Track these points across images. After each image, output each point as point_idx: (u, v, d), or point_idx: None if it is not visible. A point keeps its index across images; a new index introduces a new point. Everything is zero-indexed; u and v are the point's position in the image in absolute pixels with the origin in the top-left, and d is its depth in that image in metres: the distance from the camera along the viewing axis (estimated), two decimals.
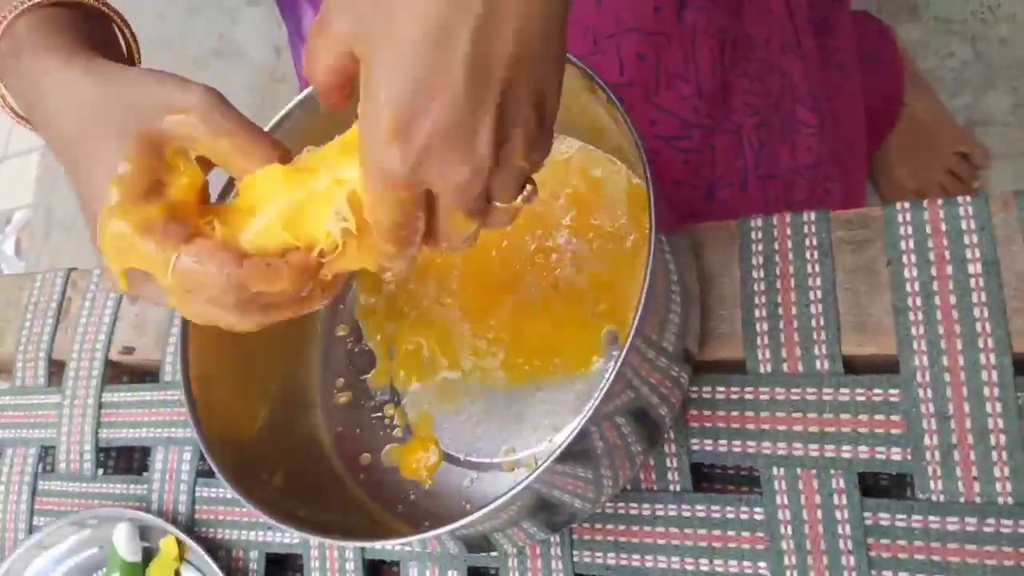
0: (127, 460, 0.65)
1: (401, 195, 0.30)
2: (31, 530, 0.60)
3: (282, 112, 0.46)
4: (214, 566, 0.50)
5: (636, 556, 0.43)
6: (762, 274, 0.44)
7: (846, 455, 0.40)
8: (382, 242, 0.32)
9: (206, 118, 0.34)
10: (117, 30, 0.42)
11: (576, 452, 0.35)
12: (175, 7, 1.57)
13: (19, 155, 1.66)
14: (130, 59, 0.43)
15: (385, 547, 0.49)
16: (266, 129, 0.47)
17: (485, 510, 0.34)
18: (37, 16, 0.37)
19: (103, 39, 0.40)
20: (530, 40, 0.28)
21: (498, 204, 0.32)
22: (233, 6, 1.53)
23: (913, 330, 0.40)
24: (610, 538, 0.44)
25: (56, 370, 0.63)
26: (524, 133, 0.29)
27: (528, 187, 0.32)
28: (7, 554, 0.58)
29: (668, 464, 0.44)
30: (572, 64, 0.39)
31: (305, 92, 0.46)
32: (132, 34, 0.42)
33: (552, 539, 0.45)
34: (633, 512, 0.44)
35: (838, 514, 0.40)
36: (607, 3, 0.54)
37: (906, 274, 0.41)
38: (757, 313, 0.44)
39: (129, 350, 0.60)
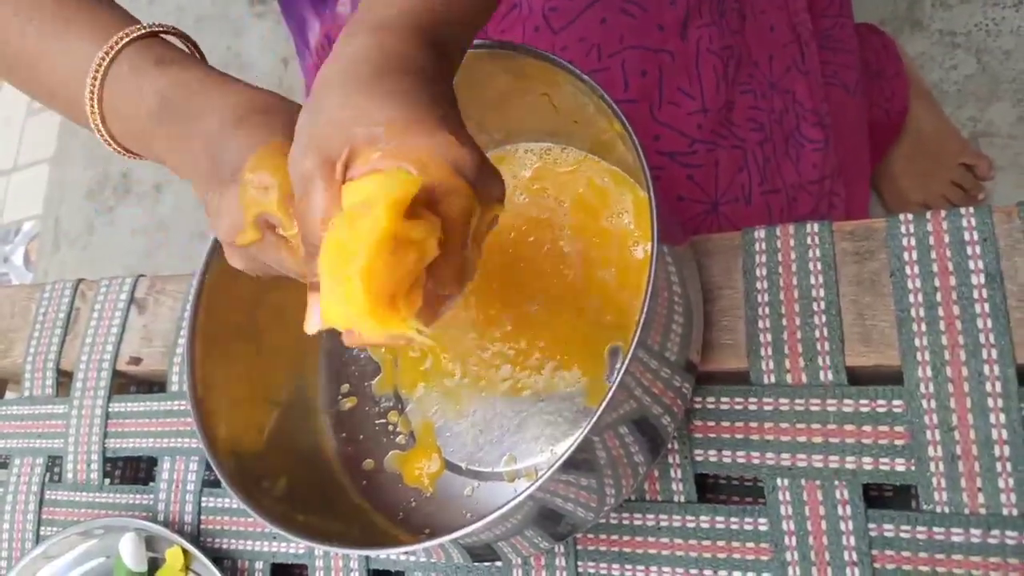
0: (134, 470, 0.65)
1: None
2: (38, 539, 0.60)
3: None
4: None
5: (640, 566, 0.44)
6: (766, 285, 0.44)
7: (850, 466, 0.40)
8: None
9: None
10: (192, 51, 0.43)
11: (578, 462, 0.35)
12: (182, 19, 1.59)
13: (29, 167, 1.68)
14: None
15: (390, 556, 0.49)
16: None
17: (490, 518, 0.34)
18: (144, 42, 0.39)
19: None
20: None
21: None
22: (239, 18, 1.55)
23: (917, 341, 0.40)
24: (614, 548, 0.44)
25: (64, 380, 0.64)
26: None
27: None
28: (14, 564, 0.58)
29: (672, 475, 0.44)
30: (579, 78, 0.40)
31: None
32: (202, 53, 0.43)
33: (556, 549, 0.45)
34: (637, 522, 0.44)
35: (842, 525, 0.40)
36: (612, 21, 0.55)
37: (909, 285, 0.41)
38: (760, 324, 0.44)
39: (136, 360, 0.61)
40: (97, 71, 0.38)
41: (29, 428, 0.63)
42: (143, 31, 0.39)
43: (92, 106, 0.39)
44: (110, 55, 0.38)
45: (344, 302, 0.28)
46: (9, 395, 0.72)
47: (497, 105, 0.48)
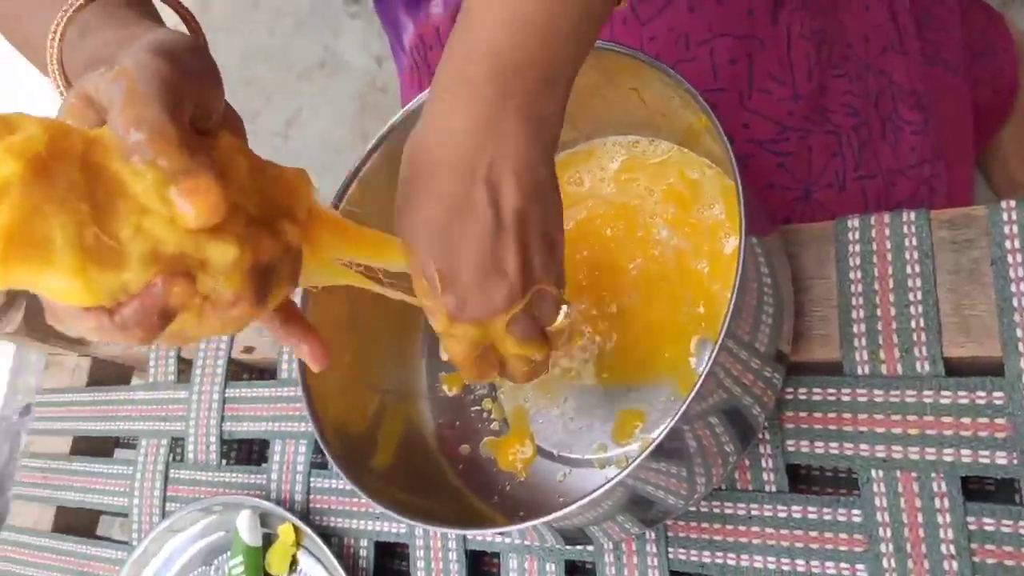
0: (247, 452, 0.69)
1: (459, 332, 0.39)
2: (164, 514, 0.65)
3: (386, 126, 0.49)
4: (328, 553, 0.54)
5: (732, 554, 0.44)
6: (859, 275, 0.44)
7: (948, 458, 0.40)
8: (465, 376, 0.41)
9: (112, 85, 0.29)
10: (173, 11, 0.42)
11: (668, 450, 0.36)
12: (283, 21, 1.66)
13: None
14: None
15: (487, 537, 0.51)
16: (371, 144, 0.50)
17: (581, 502, 0.36)
18: (103, 4, 0.38)
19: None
20: (530, 194, 0.37)
21: (547, 328, 0.41)
22: (336, 19, 1.60)
23: (1018, 332, 0.39)
24: (705, 536, 0.45)
25: (184, 368, 0.69)
26: (539, 261, 0.38)
27: (564, 308, 0.41)
28: (143, 536, 0.63)
29: (763, 464, 0.44)
30: (663, 72, 0.40)
31: (409, 106, 0.48)
32: (188, 12, 0.42)
33: (647, 535, 0.46)
34: (728, 511, 0.44)
35: (939, 518, 0.39)
36: (700, 9, 0.55)
37: (1011, 274, 0.40)
38: (854, 314, 0.43)
39: (249, 350, 0.65)
40: (55, 32, 0.37)
41: (154, 412, 0.69)
42: None
43: (53, 66, 0.38)
44: (67, 15, 0.37)
45: None
46: (135, 381, 0.78)
47: (585, 101, 0.49)
